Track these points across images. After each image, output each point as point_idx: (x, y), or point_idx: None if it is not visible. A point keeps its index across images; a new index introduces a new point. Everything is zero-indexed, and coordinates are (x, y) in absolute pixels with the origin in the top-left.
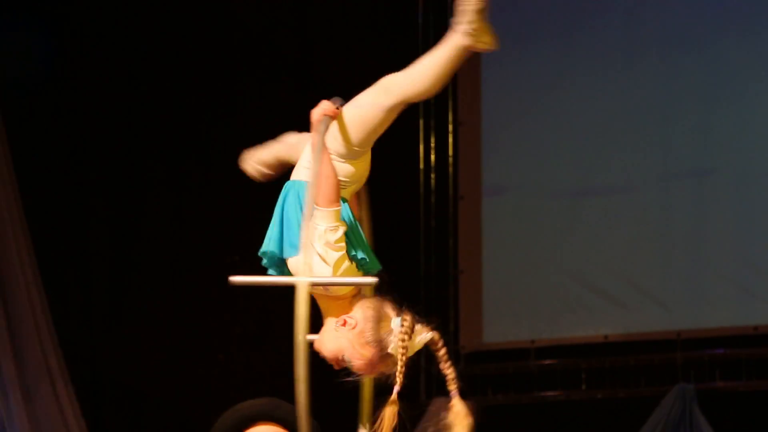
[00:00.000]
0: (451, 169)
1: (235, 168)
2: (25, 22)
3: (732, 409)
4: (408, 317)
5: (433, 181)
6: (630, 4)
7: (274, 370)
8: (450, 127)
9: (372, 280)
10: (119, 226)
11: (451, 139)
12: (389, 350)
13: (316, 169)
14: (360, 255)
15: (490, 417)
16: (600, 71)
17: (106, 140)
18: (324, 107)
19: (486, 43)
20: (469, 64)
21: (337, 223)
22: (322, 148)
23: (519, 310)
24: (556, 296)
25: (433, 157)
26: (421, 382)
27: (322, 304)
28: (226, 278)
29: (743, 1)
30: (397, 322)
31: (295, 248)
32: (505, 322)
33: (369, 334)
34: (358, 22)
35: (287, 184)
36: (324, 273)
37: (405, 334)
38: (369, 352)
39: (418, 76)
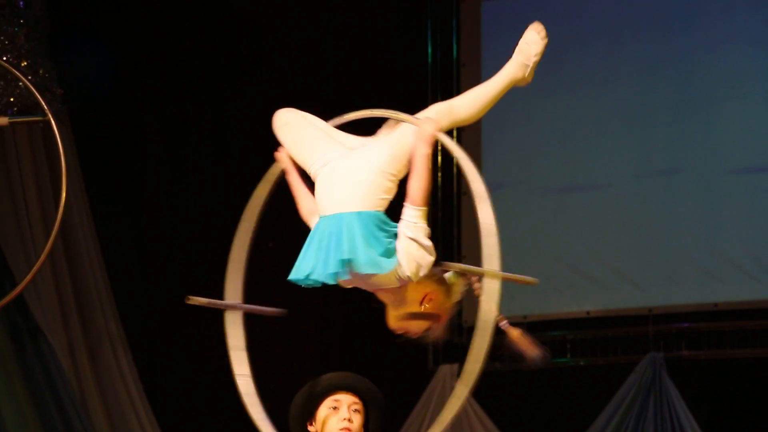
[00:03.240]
0: (455, 169)
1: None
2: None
3: (695, 375)
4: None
5: (439, 179)
6: (610, 29)
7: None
8: (454, 132)
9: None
10: (176, 203)
11: (454, 139)
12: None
13: (424, 175)
14: None
15: (490, 382)
16: (584, 85)
17: (163, 121)
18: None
19: (531, 78)
20: (469, 76)
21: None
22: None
23: (513, 289)
24: (546, 278)
25: (440, 158)
26: (429, 352)
27: (387, 296)
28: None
29: (707, 25)
30: (448, 276)
31: (376, 265)
32: (501, 300)
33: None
34: (367, 30)
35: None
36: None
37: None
38: (449, 306)
39: (474, 102)
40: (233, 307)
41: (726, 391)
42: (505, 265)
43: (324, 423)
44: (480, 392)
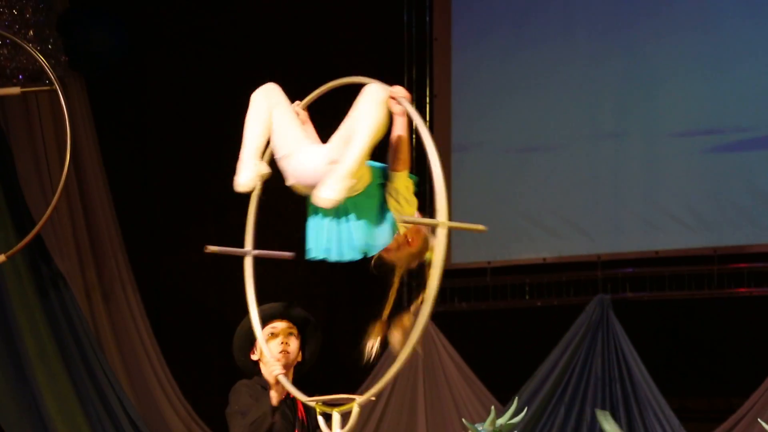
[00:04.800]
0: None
1: None
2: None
3: (638, 315)
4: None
5: (414, 141)
6: (565, 4)
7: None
8: (427, 99)
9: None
10: (183, 156)
11: (428, 108)
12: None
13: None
14: None
15: (457, 321)
16: (541, 54)
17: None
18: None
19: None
20: (442, 50)
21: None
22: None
23: (479, 238)
24: (508, 228)
25: (413, 122)
26: (403, 293)
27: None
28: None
29: (653, 3)
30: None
31: (387, 240)
32: (468, 248)
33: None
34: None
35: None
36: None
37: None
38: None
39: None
40: (248, 254)
41: (666, 329)
42: (473, 217)
43: (262, 351)
44: (449, 330)
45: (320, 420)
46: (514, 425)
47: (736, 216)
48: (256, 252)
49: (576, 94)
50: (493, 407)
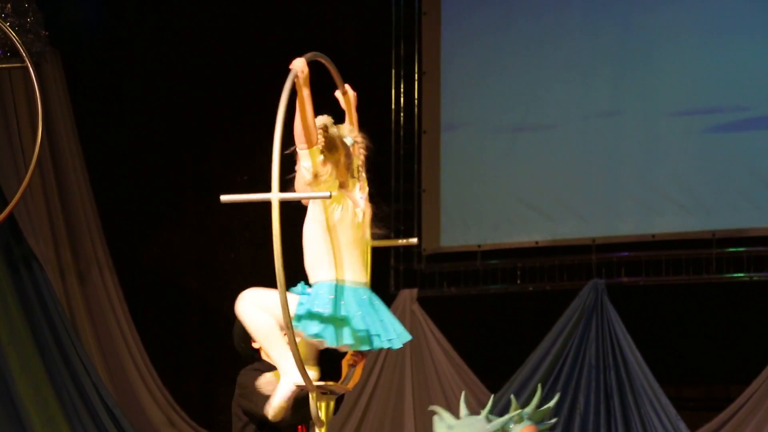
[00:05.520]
0: (416, 110)
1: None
2: None
3: (634, 300)
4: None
5: (402, 119)
6: None
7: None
8: (416, 76)
9: (325, 194)
10: (161, 138)
11: (416, 86)
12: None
13: (299, 115)
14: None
15: (446, 306)
16: (533, 30)
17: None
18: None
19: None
20: (430, 24)
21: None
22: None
23: (469, 221)
24: (499, 210)
25: (402, 99)
26: (391, 277)
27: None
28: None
29: None
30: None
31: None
32: (458, 231)
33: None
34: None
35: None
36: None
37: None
38: None
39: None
40: (273, 198)
41: (661, 314)
42: (463, 197)
43: None
44: (437, 315)
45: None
46: (545, 413)
47: (735, 198)
48: (283, 195)
49: (570, 71)
50: (492, 396)
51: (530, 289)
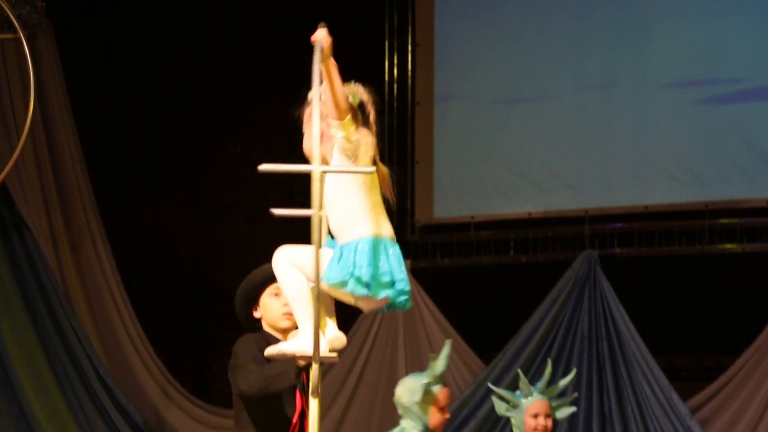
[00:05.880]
0: (409, 81)
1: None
2: None
3: (627, 271)
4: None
5: (395, 90)
6: None
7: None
8: (409, 47)
9: (370, 169)
10: (154, 108)
11: (410, 57)
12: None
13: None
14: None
15: (439, 277)
16: (528, 4)
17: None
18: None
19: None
20: (425, 3)
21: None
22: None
23: (462, 192)
24: (492, 181)
25: (395, 71)
26: None
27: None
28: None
29: None
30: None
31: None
32: (451, 202)
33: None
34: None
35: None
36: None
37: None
38: None
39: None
40: (314, 170)
41: (655, 285)
42: (456, 169)
43: (266, 308)
44: (431, 286)
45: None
46: (560, 388)
47: (728, 169)
48: (325, 168)
49: (563, 42)
50: (519, 371)
51: (523, 260)
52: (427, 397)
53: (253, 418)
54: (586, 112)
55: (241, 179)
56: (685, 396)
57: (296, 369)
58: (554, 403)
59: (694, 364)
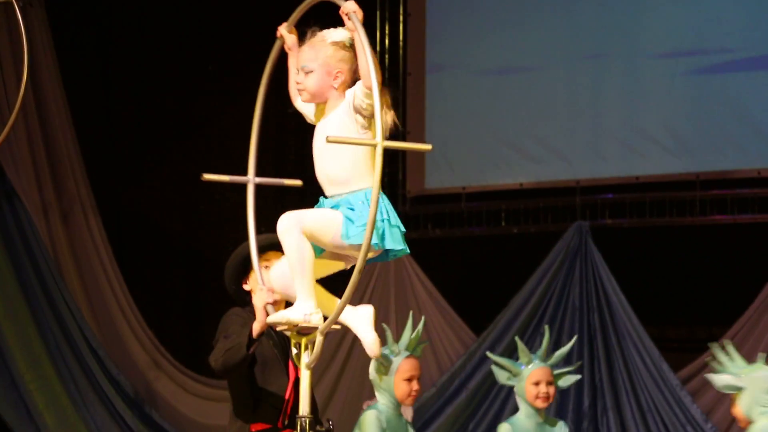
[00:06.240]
0: (401, 51)
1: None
2: None
3: (618, 242)
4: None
5: (387, 61)
6: None
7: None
8: (401, 18)
9: (374, 141)
10: (145, 78)
11: (401, 27)
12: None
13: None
14: None
15: (431, 248)
16: None
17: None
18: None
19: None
20: None
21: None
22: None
23: (454, 163)
24: (483, 152)
25: (387, 41)
26: None
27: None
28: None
29: None
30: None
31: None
32: (442, 173)
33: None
34: None
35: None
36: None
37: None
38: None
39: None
40: (250, 182)
41: (646, 256)
42: (447, 139)
43: (256, 281)
44: (422, 257)
45: (293, 350)
46: (561, 356)
47: (719, 140)
48: (259, 180)
49: (555, 13)
50: (517, 338)
51: (514, 231)
52: (389, 368)
53: (247, 389)
54: (578, 83)
55: (233, 149)
56: (676, 367)
57: (248, 341)
58: (557, 372)
59: (685, 335)
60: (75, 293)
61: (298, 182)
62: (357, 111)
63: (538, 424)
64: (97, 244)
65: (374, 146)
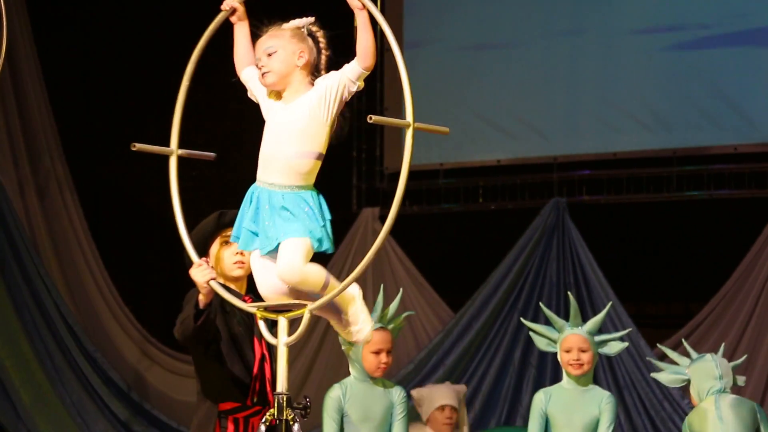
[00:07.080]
0: (378, 27)
1: None
2: None
3: (595, 218)
4: None
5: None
6: None
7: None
8: None
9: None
10: (122, 54)
11: (378, 3)
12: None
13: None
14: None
15: (408, 224)
16: None
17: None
18: None
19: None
20: None
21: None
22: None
23: (430, 139)
24: (460, 128)
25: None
26: (353, 196)
27: None
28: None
29: None
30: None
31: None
32: (419, 149)
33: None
34: None
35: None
36: None
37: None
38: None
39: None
40: (172, 153)
41: (623, 233)
42: (425, 116)
43: (217, 258)
44: (399, 234)
45: (262, 326)
46: (599, 322)
47: (696, 116)
48: (181, 151)
49: None
50: (542, 305)
51: (492, 207)
52: None
53: (213, 367)
54: (555, 58)
55: (211, 124)
56: (652, 342)
57: (195, 311)
58: (598, 338)
59: (662, 311)
60: (51, 270)
61: (211, 155)
62: (334, 100)
63: (580, 392)
64: (73, 220)
65: (407, 126)
